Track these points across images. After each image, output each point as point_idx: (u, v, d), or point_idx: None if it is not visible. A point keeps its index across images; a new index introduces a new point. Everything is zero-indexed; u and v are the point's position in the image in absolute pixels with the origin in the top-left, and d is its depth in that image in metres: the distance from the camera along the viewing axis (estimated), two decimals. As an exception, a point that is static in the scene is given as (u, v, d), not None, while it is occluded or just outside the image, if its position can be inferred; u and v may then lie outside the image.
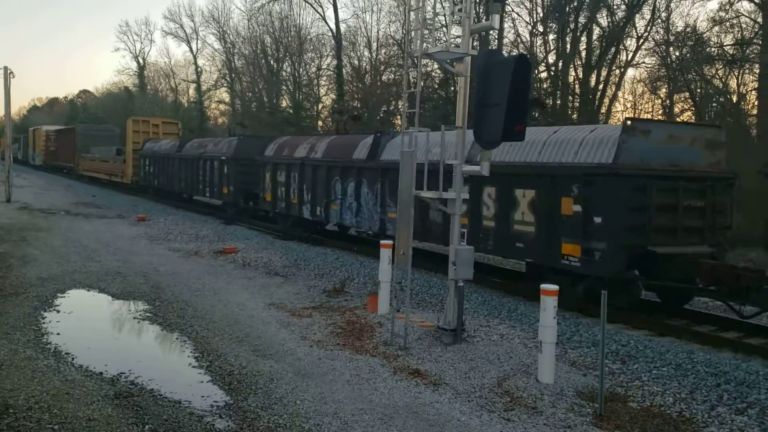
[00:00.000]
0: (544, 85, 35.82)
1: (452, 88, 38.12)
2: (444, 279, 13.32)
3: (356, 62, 49.90)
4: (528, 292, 12.44)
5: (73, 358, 8.86)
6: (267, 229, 22.72)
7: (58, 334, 10.01)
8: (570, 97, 35.76)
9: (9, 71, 31.72)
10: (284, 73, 56.45)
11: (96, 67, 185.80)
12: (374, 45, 48.90)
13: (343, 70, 48.93)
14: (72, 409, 7.12)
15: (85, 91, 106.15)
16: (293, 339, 10.05)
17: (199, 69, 72.13)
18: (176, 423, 6.89)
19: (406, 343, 9.62)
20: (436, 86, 38.70)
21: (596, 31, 34.93)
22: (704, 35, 31.03)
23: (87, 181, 46.36)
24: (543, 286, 8.35)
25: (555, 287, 8.32)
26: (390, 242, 11.54)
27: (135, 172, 37.25)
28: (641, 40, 33.78)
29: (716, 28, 30.36)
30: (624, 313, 11.13)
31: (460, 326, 9.80)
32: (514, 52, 34.22)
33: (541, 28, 36.08)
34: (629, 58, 35.03)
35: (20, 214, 26.29)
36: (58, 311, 11.42)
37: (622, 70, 35.69)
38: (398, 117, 44.00)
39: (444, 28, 28.76)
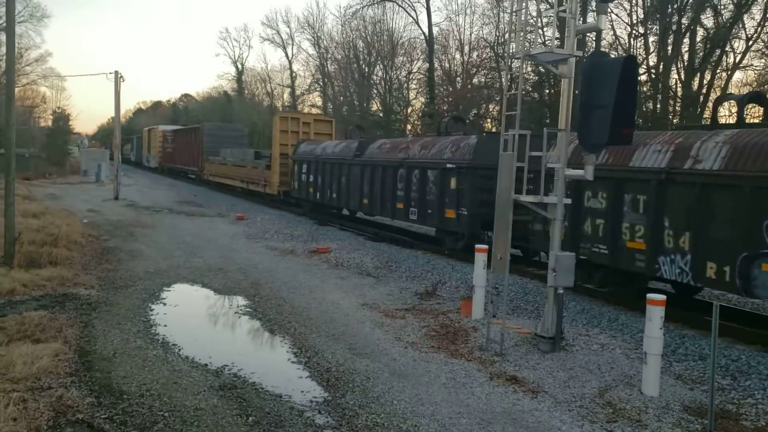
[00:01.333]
0: (644, 89, 34.55)
1: (547, 91, 37.45)
2: (540, 285, 13.08)
3: (447, 65, 49.83)
4: (629, 302, 12.04)
5: (179, 349, 9.25)
6: (358, 230, 22.98)
7: (165, 325, 10.49)
8: (671, 101, 34.33)
9: (120, 75, 33.59)
10: (375, 77, 57.07)
11: (197, 72, 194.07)
12: (466, 48, 48.69)
13: (434, 74, 48.92)
14: (180, 398, 7.44)
15: (186, 95, 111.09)
16: (388, 339, 10.11)
17: (293, 74, 74.14)
18: (278, 416, 7.07)
19: (502, 348, 9.50)
20: (530, 89, 38.07)
21: (700, 32, 33.42)
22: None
23: (215, 188, 40.93)
24: (649, 296, 8.04)
25: (662, 297, 8.00)
26: (485, 246, 11.44)
27: (283, 180, 29.83)
28: (750, 42, 32.02)
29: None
30: (735, 328, 10.56)
31: (559, 334, 9.58)
32: (613, 55, 33.20)
33: (641, 30, 34.85)
34: (737, 61, 33.28)
35: (127, 210, 27.77)
36: (165, 304, 11.97)
37: (729, 73, 33.95)
38: (489, 119, 43.67)
39: (540, 30, 28.30)
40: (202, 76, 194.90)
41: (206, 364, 8.66)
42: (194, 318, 11.50)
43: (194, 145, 47.13)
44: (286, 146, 30.19)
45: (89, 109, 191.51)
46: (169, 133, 59.00)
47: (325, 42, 65.84)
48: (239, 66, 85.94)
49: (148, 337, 9.76)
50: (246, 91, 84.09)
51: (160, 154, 60.02)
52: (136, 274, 14.30)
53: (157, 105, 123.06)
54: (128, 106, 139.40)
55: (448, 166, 17.25)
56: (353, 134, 27.55)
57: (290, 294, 13.00)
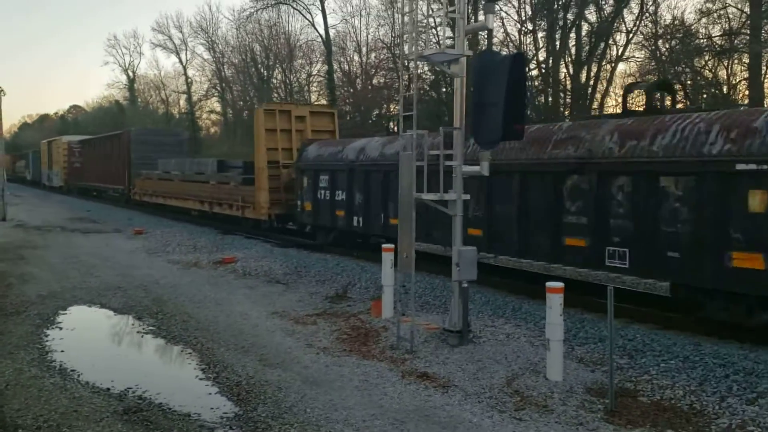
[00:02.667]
0: (535, 83, 35.91)
1: (444, 89, 38.21)
2: (446, 280, 13.32)
3: (347, 67, 50.03)
4: (531, 291, 12.46)
5: (79, 375, 8.79)
6: (262, 237, 22.64)
7: (62, 351, 9.94)
8: (561, 94, 35.86)
9: (0, 89, 31.61)
10: (275, 81, 56.52)
11: (86, 82, 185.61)
12: (364, 49, 49.06)
13: (334, 75, 48.97)
14: (81, 427, 7.06)
15: (75, 106, 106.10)
16: (299, 347, 10.01)
17: (189, 80, 72.27)
18: (187, 436, 6.84)
19: (412, 346, 9.60)
20: (428, 88, 38.75)
21: (585, 27, 35.13)
22: (692, 27, 31.23)
23: (153, 212, 32.44)
24: (548, 284, 8.34)
25: (561, 284, 8.32)
26: (392, 246, 11.53)
27: (275, 200, 21.78)
28: (630, 35, 33.98)
29: (704, 20, 30.58)
30: (630, 308, 11.16)
31: (466, 327, 9.78)
32: (504, 52, 34.32)
33: (530, 26, 36.23)
34: (619, 53, 35.23)
35: (16, 232, 26.17)
36: (61, 328, 11.34)
37: (613, 65, 35.86)
38: (391, 120, 44.12)
39: (435, 30, 28.86)
40: (91, 85, 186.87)
41: (108, 389, 8.26)
42: (94, 341, 10.96)
43: (116, 158, 38.57)
44: (275, 151, 21.87)
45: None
46: (75, 145, 50.49)
47: (220, 46, 64.69)
48: (130, 74, 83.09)
49: (44, 365, 9.21)
50: (139, 100, 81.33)
51: (66, 171, 51.90)
52: (28, 298, 13.48)
53: (44, 118, 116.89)
54: (12, 120, 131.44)
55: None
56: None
57: (196, 308, 12.63)
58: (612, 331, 7.60)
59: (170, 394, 8.05)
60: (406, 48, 10.13)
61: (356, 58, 49.90)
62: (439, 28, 29.44)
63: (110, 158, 40.32)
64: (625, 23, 33.97)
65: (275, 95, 55.86)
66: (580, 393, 7.91)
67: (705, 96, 30.94)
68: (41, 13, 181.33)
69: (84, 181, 47.50)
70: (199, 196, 27.45)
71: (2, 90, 31.60)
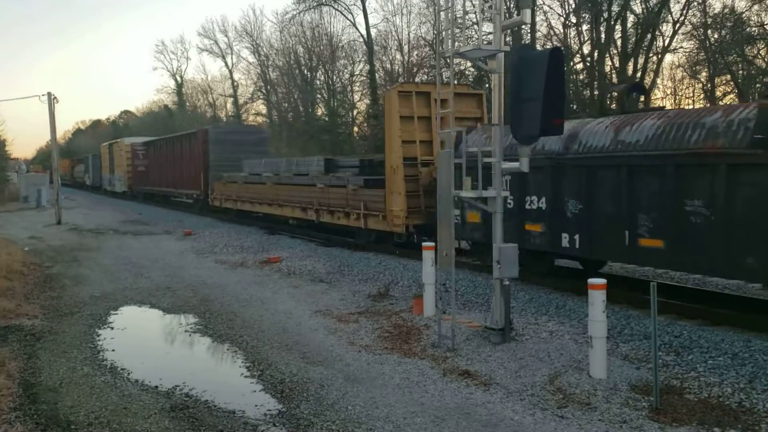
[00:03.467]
0: (580, 76, 35.36)
1: (486, 86, 37.95)
2: (489, 278, 13.25)
3: (388, 66, 50.08)
4: (576, 288, 12.28)
5: (128, 373, 9.07)
6: (309, 237, 22.86)
7: (113, 350, 10.26)
8: (607, 87, 35.18)
9: (53, 97, 32.70)
10: (318, 82, 56.96)
11: (136, 88, 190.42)
12: (405, 47, 49.03)
13: (376, 75, 49.10)
14: (130, 423, 7.29)
15: (126, 112, 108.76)
16: (341, 345, 10.10)
17: (235, 83, 73.39)
18: (231, 433, 7.00)
19: (454, 344, 9.59)
20: (470, 84, 38.51)
21: (630, 18, 34.39)
22: (743, 15, 30.27)
23: (241, 221, 28.48)
24: (590, 280, 8.23)
25: (603, 281, 8.20)
26: (432, 244, 11.53)
27: (414, 207, 17.19)
28: (678, 25, 33.11)
29: (756, 7, 29.59)
30: (677, 304, 10.92)
31: (508, 325, 9.72)
32: (548, 46, 33.91)
33: (573, 19, 35.65)
34: (666, 44, 34.36)
35: (70, 235, 27.06)
36: (112, 328, 11.71)
37: (660, 56, 35.01)
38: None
39: (475, 26, 28.70)
40: (141, 91, 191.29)
41: (156, 386, 8.51)
42: (143, 340, 11.28)
43: (188, 159, 34.98)
44: (412, 145, 17.29)
45: (26, 134, 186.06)
46: (139, 147, 46.64)
47: (264, 49, 65.44)
48: (178, 78, 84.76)
49: (95, 364, 9.53)
50: (187, 104, 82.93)
51: (130, 175, 48.47)
52: (82, 299, 13.95)
53: (96, 124, 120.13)
54: (66, 127, 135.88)
55: None
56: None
57: (241, 307, 12.87)
58: (655, 326, 7.47)
59: (216, 392, 8.24)
60: (444, 45, 10.12)
61: (398, 56, 49.94)
62: (478, 25, 29.27)
63: (181, 160, 36.63)
64: (671, 13, 33.18)
65: (318, 96, 56.33)
66: (625, 390, 7.79)
67: (758, 86, 29.99)
68: (92, 23, 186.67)
69: (150, 186, 43.97)
70: (300, 201, 22.81)
71: (55, 97, 32.69)
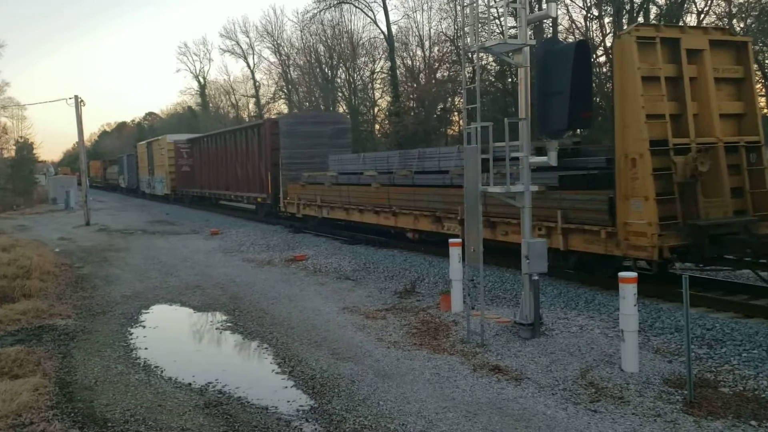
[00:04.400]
0: (604, 69, 34.99)
1: (509, 80, 37.73)
2: (516, 273, 13.20)
3: (409, 62, 50.02)
4: (604, 282, 12.20)
5: (162, 371, 9.19)
6: (333, 235, 22.95)
7: (145, 348, 10.41)
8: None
9: (80, 99, 33.19)
10: (339, 80, 57.06)
11: (160, 89, 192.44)
12: (426, 43, 48.92)
13: (397, 71, 49.06)
14: (166, 420, 7.40)
15: (151, 113, 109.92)
16: (370, 341, 10.15)
17: (257, 83, 73.77)
18: (265, 429, 7.06)
19: (483, 339, 9.59)
20: (493, 79, 38.34)
21: (653, 10, 33.94)
22: (770, 2, 29.72)
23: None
24: (621, 274, 8.18)
25: (633, 275, 8.14)
26: (459, 240, 11.53)
27: (671, 218, 10.91)
28: (702, 15, 32.61)
29: (783, -6, 29.02)
30: (709, 297, 10.80)
31: (537, 320, 9.70)
32: (570, 39, 33.61)
33: (595, 12, 35.30)
34: (691, 34, 33.78)
35: (99, 235, 27.46)
36: (144, 327, 11.87)
37: (685, 47, 34.45)
38: (456, 114, 43.91)
39: (497, 20, 28.56)
40: (165, 93, 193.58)
41: (190, 384, 8.62)
42: (175, 338, 11.43)
43: (251, 157, 30.04)
44: (659, 122, 11.09)
45: (52, 136, 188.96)
46: (183, 145, 42.51)
47: (285, 49, 65.69)
48: (201, 80, 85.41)
49: (129, 362, 9.68)
50: (210, 105, 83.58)
51: (172, 176, 43.80)
52: (113, 298, 14.17)
53: (122, 126, 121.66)
54: (92, 129, 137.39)
55: None
56: None
57: (270, 305, 12.97)
58: (687, 319, 7.39)
59: (248, 388, 8.33)
60: (468, 40, 10.10)
61: (419, 52, 49.82)
62: (501, 18, 29.12)
63: (237, 158, 31.98)
64: (695, 4, 32.70)
65: (339, 94, 56.43)
66: (657, 384, 7.73)
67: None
68: (116, 26, 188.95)
69: (197, 188, 39.54)
70: (431, 209, 16.97)
71: (82, 100, 33.15)
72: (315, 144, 26.09)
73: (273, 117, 33.69)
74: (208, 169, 37.59)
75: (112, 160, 73.09)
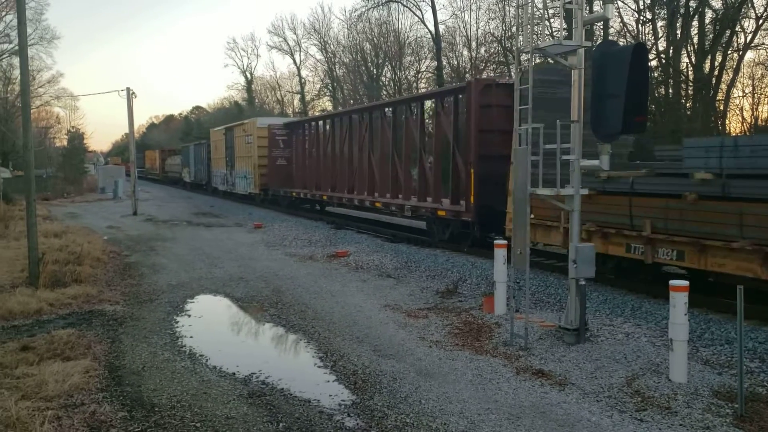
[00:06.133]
0: (655, 74, 34.29)
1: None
2: (561, 278, 13.06)
3: (455, 62, 49.83)
4: (652, 289, 11.98)
5: (207, 360, 9.34)
6: (376, 233, 23.01)
7: (191, 337, 10.59)
8: (683, 85, 34.04)
9: (131, 92, 33.95)
10: (384, 79, 57.20)
11: (208, 84, 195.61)
12: (473, 44, 48.67)
13: (443, 71, 48.93)
14: (210, 408, 7.51)
15: (197, 107, 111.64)
16: (412, 339, 10.14)
17: (302, 80, 74.42)
18: (308, 421, 7.12)
19: (527, 343, 9.50)
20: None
21: (708, 14, 33.12)
22: (834, 8, 28.72)
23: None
24: (672, 282, 8.01)
25: (686, 283, 7.96)
26: (504, 242, 11.44)
27: None
28: (761, 20, 31.69)
29: None
30: (760, 310, 10.49)
31: (583, 325, 9.56)
32: (621, 42, 33.02)
33: (648, 15, 34.62)
34: (747, 40, 32.91)
35: (146, 225, 28.05)
36: (189, 315, 12.09)
37: (740, 53, 33.59)
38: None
39: (547, 22, 28.23)
40: (212, 87, 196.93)
41: (234, 373, 8.74)
42: (219, 328, 11.60)
43: (417, 145, 20.67)
44: None
45: (103, 127, 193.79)
46: (279, 130, 33.09)
47: (332, 46, 66.18)
48: (248, 75, 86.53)
49: (175, 349, 9.86)
50: (256, 100, 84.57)
51: (263, 171, 33.75)
52: (160, 287, 14.45)
53: (169, 119, 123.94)
54: (141, 121, 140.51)
55: None
56: None
57: (312, 299, 13.07)
58: (741, 331, 7.21)
59: (291, 380, 8.41)
60: (520, 40, 10.01)
61: (465, 53, 49.65)
62: (553, 20, 28.79)
63: (381, 147, 23.36)
64: (754, 8, 31.77)
65: (384, 93, 56.51)
66: (706, 396, 7.55)
67: None
68: (166, 20, 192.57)
69: (300, 188, 31.01)
70: None
71: (134, 92, 33.90)
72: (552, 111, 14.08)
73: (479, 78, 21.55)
74: (317, 165, 29.26)
75: (173, 150, 64.25)
